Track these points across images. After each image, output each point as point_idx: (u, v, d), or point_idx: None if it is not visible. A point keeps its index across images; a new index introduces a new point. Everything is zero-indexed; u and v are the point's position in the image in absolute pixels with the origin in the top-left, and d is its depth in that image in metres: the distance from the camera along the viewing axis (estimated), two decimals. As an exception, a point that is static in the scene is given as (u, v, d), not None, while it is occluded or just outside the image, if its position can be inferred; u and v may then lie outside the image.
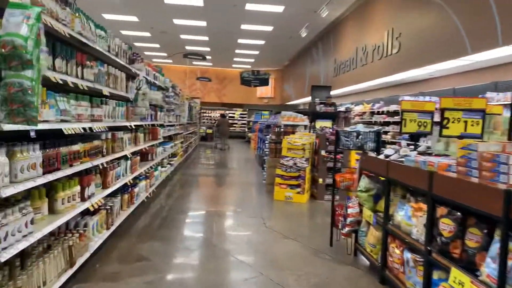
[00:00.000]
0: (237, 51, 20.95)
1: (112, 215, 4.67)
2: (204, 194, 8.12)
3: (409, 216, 3.40)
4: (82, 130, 3.47)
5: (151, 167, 7.30)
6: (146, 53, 22.68)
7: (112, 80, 4.58)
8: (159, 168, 8.17)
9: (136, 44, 20.19)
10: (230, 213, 6.45)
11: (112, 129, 4.85)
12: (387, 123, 11.52)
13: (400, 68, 9.82)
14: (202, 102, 26.23)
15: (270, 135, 9.12)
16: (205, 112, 26.94)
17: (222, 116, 19.08)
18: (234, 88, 27.28)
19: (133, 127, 5.41)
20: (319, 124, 8.26)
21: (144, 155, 7.23)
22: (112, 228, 4.64)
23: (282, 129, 8.57)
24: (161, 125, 8.02)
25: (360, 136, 4.58)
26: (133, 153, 5.87)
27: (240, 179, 10.06)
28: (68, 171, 3.28)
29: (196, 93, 26.16)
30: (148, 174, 7.03)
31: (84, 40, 3.44)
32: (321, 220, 6.17)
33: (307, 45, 19.19)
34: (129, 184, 5.49)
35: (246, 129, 27.04)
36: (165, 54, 23.16)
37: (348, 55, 13.78)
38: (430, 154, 3.99)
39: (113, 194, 5.05)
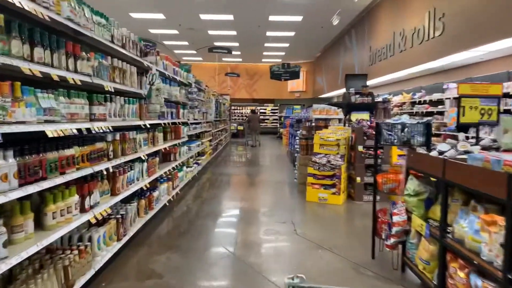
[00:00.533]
0: (266, 44, 20.28)
1: (125, 224, 4.20)
2: (232, 196, 7.57)
3: (477, 230, 2.64)
4: (76, 132, 2.97)
5: (174, 168, 6.83)
6: (176, 51, 22.50)
7: (119, 74, 4.08)
8: (184, 168, 7.70)
9: (166, 42, 20.00)
10: (259, 217, 5.85)
11: (122, 129, 4.37)
12: (429, 114, 10.50)
13: (444, 52, 8.80)
14: (232, 98, 25.81)
15: (300, 130, 8.42)
16: (236, 109, 26.50)
17: (253, 112, 18.54)
18: (264, 83, 26.64)
19: (148, 126, 4.92)
20: (355, 116, 7.47)
21: (166, 156, 6.77)
22: (125, 239, 4.16)
23: (313, 124, 7.86)
24: (185, 123, 7.54)
25: (406, 129, 3.82)
26: (151, 154, 5.39)
27: (270, 177, 9.44)
28: (59, 179, 2.79)
29: (227, 90, 25.76)
30: (170, 176, 6.56)
31: (73, 27, 2.93)
32: (360, 226, 5.44)
33: (339, 34, 18.20)
34: (146, 188, 5.01)
35: (278, 125, 26.35)
36: (194, 52, 22.88)
37: (384, 41, 12.77)
38: (497, 149, 3.18)
39: (127, 201, 4.59)
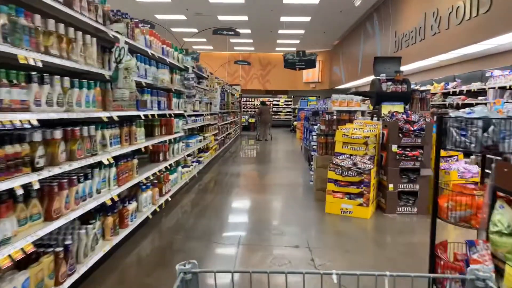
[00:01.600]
0: (280, 31, 18.78)
1: (71, 259, 2.92)
2: (235, 204, 6.26)
3: None
4: None
5: (164, 169, 5.55)
6: (185, 39, 21.18)
7: (60, 44, 2.77)
8: (179, 169, 6.42)
9: (173, 29, 18.71)
10: (266, 237, 4.52)
11: (71, 123, 3.08)
12: (466, 106, 8.95)
13: (490, 33, 7.26)
14: (244, 89, 24.44)
15: (318, 125, 7.03)
16: (248, 100, 25.13)
17: (263, 103, 17.11)
18: (278, 73, 25.17)
19: (116, 118, 3.62)
20: (386, 108, 6.05)
21: (153, 155, 5.48)
22: (70, 280, 2.89)
23: (334, 117, 6.45)
24: (179, 115, 6.24)
25: (491, 128, 2.42)
26: (126, 156, 4.11)
27: (282, 179, 8.10)
28: None
29: (238, 81, 24.39)
30: (158, 180, 5.29)
31: None
32: (401, 252, 4.07)
33: (359, 19, 16.59)
34: (115, 201, 3.73)
35: (292, 117, 24.90)
36: (204, 40, 21.53)
37: (413, 24, 11.19)
38: None
39: (85, 221, 3.32)
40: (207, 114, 8.93)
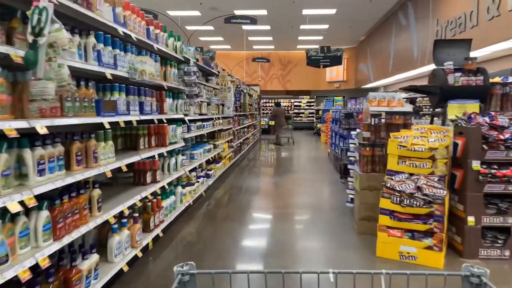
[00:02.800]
0: (302, 27, 17.15)
1: None
2: (248, 241, 4.70)
3: None
4: None
5: (151, 195, 4.06)
6: (201, 38, 19.83)
7: None
8: (179, 189, 4.93)
9: (188, 27, 17.37)
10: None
11: None
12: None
13: None
14: (264, 90, 22.90)
15: (358, 131, 5.38)
16: (268, 102, 23.57)
17: (277, 105, 15.45)
18: (299, 73, 23.51)
19: (43, 130, 2.13)
20: (453, 108, 4.37)
21: (139, 176, 4.01)
22: None
23: (383, 120, 4.79)
24: (176, 121, 4.75)
25: None
26: (73, 187, 2.62)
27: (310, 197, 6.50)
28: None
29: (257, 81, 22.86)
30: (140, 213, 3.80)
31: None
32: None
33: (391, 10, 14.77)
34: (43, 266, 2.25)
35: (314, 119, 23.18)
36: (221, 38, 20.12)
37: (461, 8, 9.36)
38: None
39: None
40: (218, 117, 7.41)
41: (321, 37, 19.34)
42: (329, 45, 16.43)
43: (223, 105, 7.77)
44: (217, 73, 7.20)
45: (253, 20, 8.95)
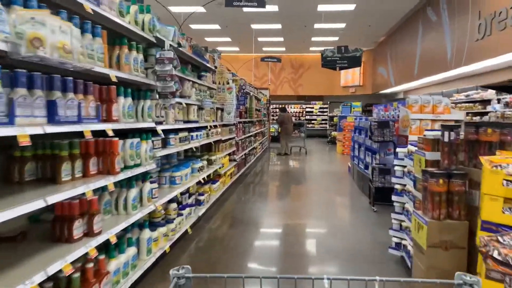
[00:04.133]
0: (316, 25, 15.47)
1: None
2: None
3: None
4: None
5: (83, 257, 2.38)
6: (207, 39, 18.27)
7: None
8: (146, 233, 3.24)
9: (192, 26, 15.82)
10: None
11: None
12: None
13: None
14: (274, 95, 21.22)
15: (412, 149, 3.59)
16: (278, 107, 21.86)
17: (283, 110, 13.66)
18: (312, 77, 21.79)
19: None
20: None
21: (58, 227, 2.32)
22: None
23: (461, 135, 2.99)
24: (147, 132, 3.08)
25: None
26: None
27: (333, 238, 4.75)
28: None
29: (267, 85, 21.19)
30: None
31: None
32: None
33: (417, 5, 12.99)
34: None
35: (328, 126, 21.39)
36: (228, 39, 18.53)
37: (516, -5, 7.57)
38: None
39: None
40: (215, 125, 5.73)
41: (336, 38, 17.61)
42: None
43: (222, 109, 6.10)
44: (213, 68, 5.53)
45: (260, 2, 7.23)
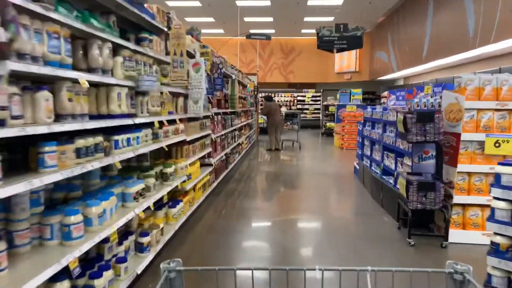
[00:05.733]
0: (310, 2, 13.37)
1: None
2: None
3: None
4: None
5: None
6: (187, 19, 16.01)
7: None
8: None
9: (169, 3, 13.56)
10: None
11: None
12: None
13: None
14: (262, 83, 19.13)
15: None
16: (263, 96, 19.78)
17: (268, 99, 11.53)
18: (303, 63, 19.73)
19: None
20: None
21: None
22: None
23: None
24: None
25: None
26: None
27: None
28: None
29: (256, 72, 19.08)
30: None
31: None
32: None
33: (429, -24, 10.99)
34: None
35: (321, 116, 19.45)
36: (211, 20, 16.31)
37: None
38: None
39: None
40: (171, 121, 3.67)
41: (331, 18, 15.53)
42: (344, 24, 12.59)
43: (185, 96, 4.05)
44: (164, 29, 3.42)
45: None
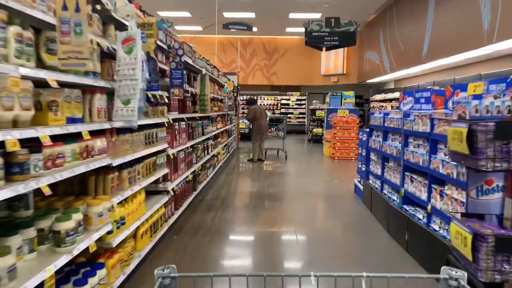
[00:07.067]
0: (296, -5, 11.87)
1: None
2: None
3: None
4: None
5: None
6: (160, 13, 14.22)
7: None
8: None
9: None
10: None
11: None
12: None
13: None
14: (244, 85, 17.53)
15: None
16: (244, 99, 18.18)
17: (251, 102, 9.78)
18: (287, 64, 18.23)
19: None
20: None
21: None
22: None
23: None
24: None
25: None
26: None
27: None
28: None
29: (237, 73, 17.49)
30: None
31: None
32: None
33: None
34: None
35: (306, 121, 18.01)
36: (187, 14, 14.61)
37: None
38: None
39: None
40: (70, 136, 2.00)
41: (319, 15, 14.09)
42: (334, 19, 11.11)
43: (113, 92, 2.38)
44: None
45: None
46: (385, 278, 1.00)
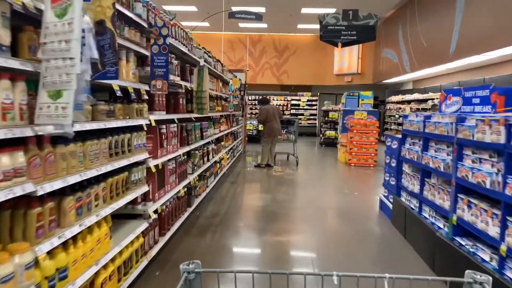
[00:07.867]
0: (310, -13, 10.90)
1: None
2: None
3: None
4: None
5: None
6: (166, 7, 13.33)
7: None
8: None
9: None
10: None
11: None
12: None
13: None
14: (252, 84, 16.59)
15: None
16: (256, 98, 17.24)
17: (264, 102, 8.64)
18: (298, 62, 17.26)
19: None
20: None
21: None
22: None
23: None
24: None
25: None
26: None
27: None
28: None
29: (245, 71, 16.55)
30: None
31: None
32: None
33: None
34: None
35: (317, 123, 17.01)
36: (194, 9, 13.74)
37: None
38: None
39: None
40: None
41: (333, 10, 13.06)
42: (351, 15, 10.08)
43: (36, 82, 1.51)
44: None
45: None
46: (408, 280, 0.98)
